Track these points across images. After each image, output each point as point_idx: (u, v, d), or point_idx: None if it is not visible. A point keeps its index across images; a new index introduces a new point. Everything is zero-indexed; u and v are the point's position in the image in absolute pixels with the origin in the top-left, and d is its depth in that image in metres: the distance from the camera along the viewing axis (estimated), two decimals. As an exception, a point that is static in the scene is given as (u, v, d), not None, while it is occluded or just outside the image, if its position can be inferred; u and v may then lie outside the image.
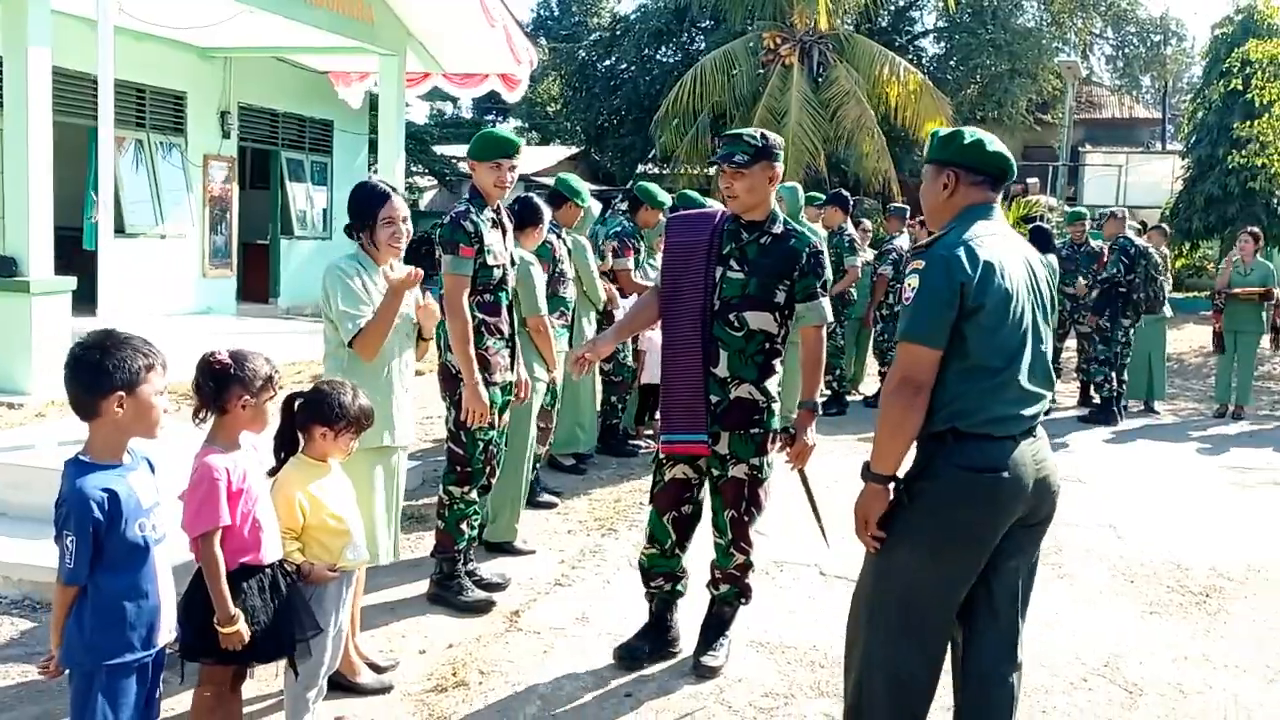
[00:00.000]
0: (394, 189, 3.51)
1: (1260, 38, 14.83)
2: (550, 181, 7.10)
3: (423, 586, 4.27)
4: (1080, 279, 9.06)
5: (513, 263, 4.22)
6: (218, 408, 2.63)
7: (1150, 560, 5.13)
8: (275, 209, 13.42)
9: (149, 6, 8.99)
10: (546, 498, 5.62)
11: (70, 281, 6.99)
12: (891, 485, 2.63)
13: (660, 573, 3.70)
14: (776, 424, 3.57)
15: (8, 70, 6.58)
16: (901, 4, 25.19)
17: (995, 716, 2.75)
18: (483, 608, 4.14)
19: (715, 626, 3.75)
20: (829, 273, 4.33)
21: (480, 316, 4.01)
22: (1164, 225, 12.01)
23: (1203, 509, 6.21)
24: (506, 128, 28.98)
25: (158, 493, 2.43)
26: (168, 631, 2.44)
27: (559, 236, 5.56)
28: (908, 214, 9.92)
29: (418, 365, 3.75)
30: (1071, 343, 9.10)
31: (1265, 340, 9.48)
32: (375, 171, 12.51)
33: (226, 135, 12.16)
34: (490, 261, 3.99)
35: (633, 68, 25.57)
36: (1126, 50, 26.80)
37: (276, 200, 13.43)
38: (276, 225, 13.42)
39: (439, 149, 22.95)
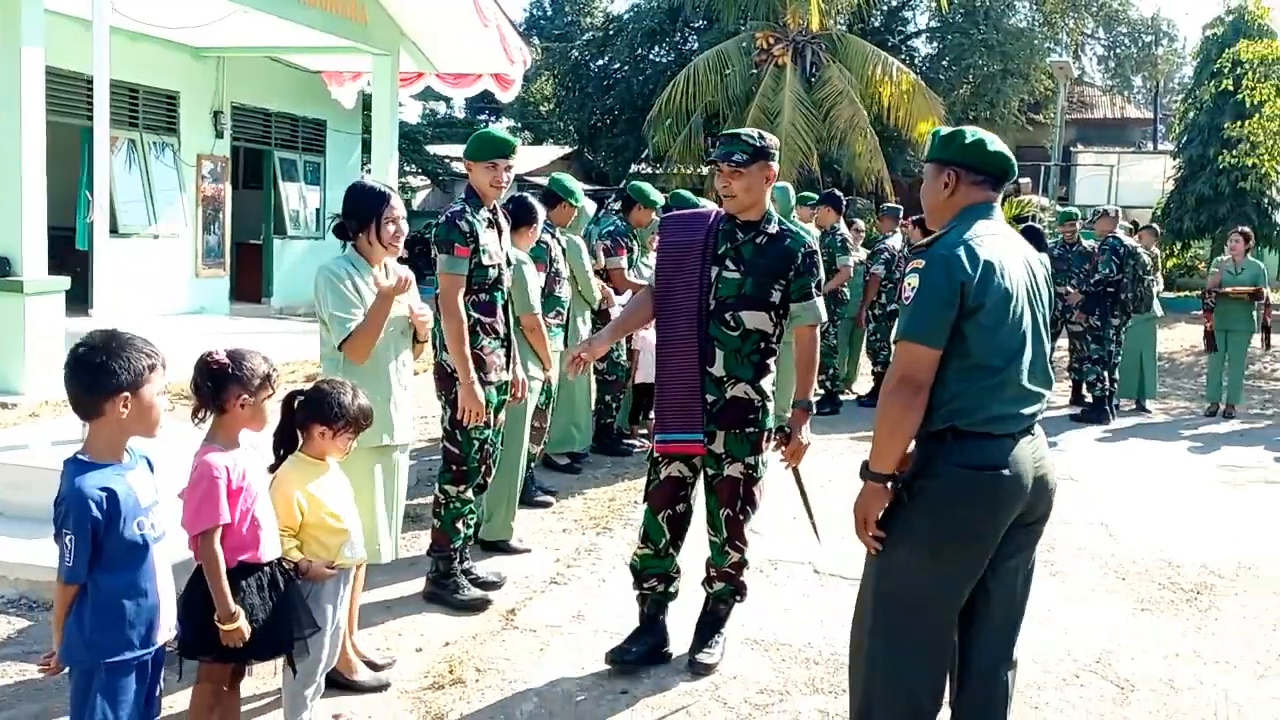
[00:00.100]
0: (391, 188, 3.52)
1: (1251, 38, 14.92)
2: (544, 181, 7.11)
3: (419, 585, 4.28)
4: (1071, 285, 9.05)
5: (508, 262, 4.23)
6: (216, 407, 2.65)
7: (1142, 558, 5.17)
8: (268, 209, 13.40)
9: (142, 6, 8.95)
10: (542, 497, 5.63)
11: (64, 281, 6.98)
12: (890, 484, 2.62)
13: (654, 574, 3.69)
14: (771, 423, 3.59)
15: (1, 70, 6.56)
16: (894, 4, 25.23)
17: (991, 713, 2.76)
18: (479, 606, 4.15)
19: (710, 624, 3.76)
20: (823, 273, 4.35)
21: (475, 316, 4.02)
22: (1154, 225, 12.04)
23: (1194, 507, 6.25)
24: (500, 127, 28.81)
25: (156, 491, 2.44)
26: (167, 629, 2.45)
27: (554, 236, 5.57)
28: (901, 214, 9.96)
29: (415, 364, 3.76)
30: (1063, 342, 9.11)
31: (1256, 340, 9.53)
32: (369, 171, 12.50)
33: (219, 135, 12.14)
34: (486, 261, 4.00)
35: (626, 67, 25.55)
36: (1118, 50, 26.84)
37: (269, 200, 13.41)
38: (269, 225, 13.40)
39: (432, 149, 22.91)
